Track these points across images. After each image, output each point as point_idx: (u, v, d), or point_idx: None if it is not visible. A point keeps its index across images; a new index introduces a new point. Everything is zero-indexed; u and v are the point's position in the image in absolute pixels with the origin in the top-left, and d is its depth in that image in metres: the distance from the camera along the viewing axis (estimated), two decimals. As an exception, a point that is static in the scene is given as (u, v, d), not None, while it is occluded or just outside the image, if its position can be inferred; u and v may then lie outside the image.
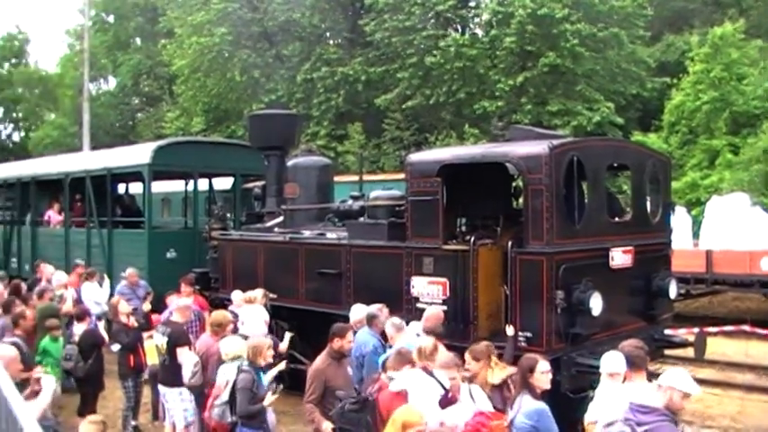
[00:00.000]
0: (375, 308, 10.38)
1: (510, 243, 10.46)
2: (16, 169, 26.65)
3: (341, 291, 12.81)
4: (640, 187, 12.34)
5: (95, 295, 16.22)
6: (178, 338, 10.89)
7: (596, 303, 9.97)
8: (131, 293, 15.38)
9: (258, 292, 12.72)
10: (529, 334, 9.97)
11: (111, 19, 57.41)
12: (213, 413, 9.10)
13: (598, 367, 7.96)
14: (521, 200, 11.74)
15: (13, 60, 69.95)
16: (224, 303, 15.01)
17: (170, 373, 10.81)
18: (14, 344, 9.91)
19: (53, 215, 23.31)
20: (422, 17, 32.83)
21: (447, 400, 7.54)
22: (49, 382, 7.80)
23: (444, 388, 7.72)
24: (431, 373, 7.95)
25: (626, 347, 7.56)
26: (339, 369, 9.00)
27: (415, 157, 12.27)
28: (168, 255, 18.54)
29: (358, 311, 10.53)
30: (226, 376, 9.00)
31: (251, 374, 8.63)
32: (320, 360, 9.02)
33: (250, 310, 11.80)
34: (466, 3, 35.26)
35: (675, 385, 6.34)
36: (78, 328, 12.40)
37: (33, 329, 11.65)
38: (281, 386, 9.34)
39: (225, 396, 8.87)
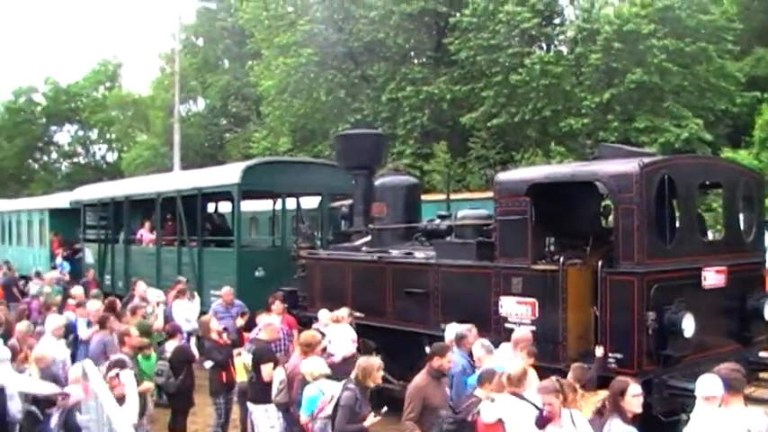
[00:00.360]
0: (464, 328, 10.38)
1: (600, 263, 10.35)
2: (110, 189, 27.35)
3: (429, 310, 12.81)
4: (733, 206, 12.09)
5: (186, 312, 16.49)
6: (262, 356, 11.05)
7: (688, 324, 9.79)
8: (225, 312, 15.50)
9: (344, 311, 12.84)
10: (619, 355, 9.84)
11: (200, 42, 58.49)
12: (315, 426, 9.19)
13: (692, 390, 7.80)
14: (610, 219, 11.64)
15: (108, 84, 72.03)
16: (310, 322, 15.21)
17: (256, 391, 10.97)
18: (121, 360, 10.20)
19: (145, 234, 23.81)
20: (506, 35, 32.70)
21: (543, 420, 7.52)
22: (128, 379, 7.85)
23: (538, 408, 7.71)
24: (522, 397, 7.95)
25: (723, 370, 7.38)
26: (438, 388, 8.99)
27: (504, 176, 12.25)
28: (257, 273, 18.74)
29: (452, 331, 10.47)
30: (331, 391, 9.04)
31: (354, 393, 8.62)
32: (420, 378, 9.01)
33: (337, 330, 11.91)
34: (551, 20, 35.08)
35: None
36: (170, 345, 12.65)
37: (139, 346, 11.89)
38: (385, 408, 9.28)
39: (328, 410, 8.93)
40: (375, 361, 9.13)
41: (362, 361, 9.09)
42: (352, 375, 8.91)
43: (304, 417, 9.35)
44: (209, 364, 12.34)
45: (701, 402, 7.43)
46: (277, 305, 14.51)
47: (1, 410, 11.57)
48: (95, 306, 13.83)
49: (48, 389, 9.37)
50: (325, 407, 9.03)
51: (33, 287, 20.44)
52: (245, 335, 14.12)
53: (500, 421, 7.93)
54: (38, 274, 23.92)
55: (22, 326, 12.48)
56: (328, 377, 9.58)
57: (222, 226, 23.25)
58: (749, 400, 10.37)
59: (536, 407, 7.80)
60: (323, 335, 11.69)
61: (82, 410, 6.47)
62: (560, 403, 7.54)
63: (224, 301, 15.96)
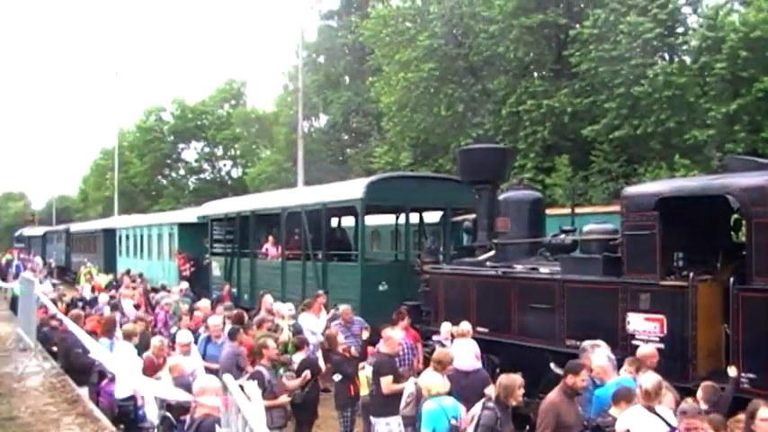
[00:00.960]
0: (588, 344, 10.32)
1: (731, 279, 10.14)
2: (236, 204, 28.07)
3: (553, 326, 12.77)
4: None
5: (312, 325, 16.78)
6: (381, 368, 11.22)
7: (828, 343, 9.52)
8: (346, 331, 15.44)
9: (467, 326, 12.89)
10: (753, 375, 9.58)
11: (321, 59, 59.47)
12: None
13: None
14: (741, 233, 11.40)
15: (232, 102, 74.06)
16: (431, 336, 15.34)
17: (376, 403, 11.13)
18: (258, 372, 10.51)
19: (270, 248, 24.30)
20: (628, 46, 32.22)
21: None
22: (254, 392, 8.01)
23: (669, 425, 7.66)
24: (654, 411, 7.89)
25: None
26: (571, 406, 8.90)
27: (632, 190, 12.14)
28: (380, 287, 18.91)
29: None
30: (472, 411, 9.04)
31: (494, 413, 8.58)
32: (554, 395, 8.94)
33: (461, 344, 11.98)
34: (673, 30, 34.38)
35: None
36: (297, 357, 12.92)
37: (277, 358, 12.20)
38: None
39: (470, 430, 8.87)
40: (516, 378, 9.02)
41: (504, 379, 9.00)
42: (493, 394, 8.87)
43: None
44: (338, 377, 12.55)
45: None
46: (399, 320, 14.61)
47: (133, 415, 12.14)
48: (215, 321, 14.13)
49: (183, 396, 9.71)
50: (465, 427, 8.95)
51: (163, 299, 21.07)
52: (370, 349, 14.32)
53: None
54: (163, 287, 24.74)
55: (155, 341, 12.91)
56: (449, 393, 9.61)
57: (344, 240, 23.54)
58: None
59: (667, 423, 7.75)
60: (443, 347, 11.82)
61: (221, 423, 6.69)
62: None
63: (343, 320, 15.93)
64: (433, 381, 9.64)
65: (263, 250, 24.55)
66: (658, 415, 7.96)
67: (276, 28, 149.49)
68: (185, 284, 24.47)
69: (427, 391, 9.55)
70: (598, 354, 9.92)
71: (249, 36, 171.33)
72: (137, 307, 21.05)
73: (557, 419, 8.65)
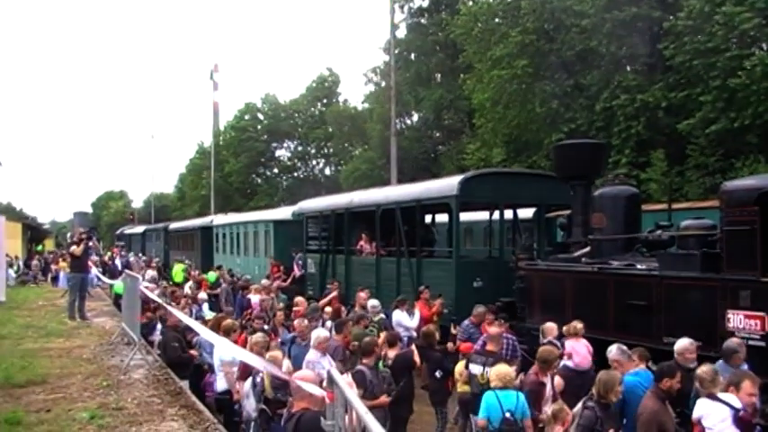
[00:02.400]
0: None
1: (836, 275, 10.01)
2: (331, 201, 28.42)
3: (651, 323, 12.71)
4: None
5: (405, 322, 17.00)
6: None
7: None
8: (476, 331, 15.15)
9: (580, 324, 12.88)
10: None
11: (412, 57, 59.64)
12: None
13: None
14: None
15: (324, 100, 74.80)
16: (531, 333, 15.35)
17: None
18: (360, 372, 10.71)
19: (364, 245, 24.53)
20: (724, 37, 31.59)
21: (741, 418, 7.52)
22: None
23: (733, 407, 7.71)
24: (716, 398, 7.94)
25: None
26: (667, 411, 8.76)
27: (732, 184, 12.00)
28: (475, 284, 18.98)
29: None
30: (574, 410, 9.07)
31: (594, 412, 8.56)
32: (651, 402, 8.72)
33: (575, 343, 12.03)
34: (772, 19, 33.63)
35: None
36: (391, 353, 13.09)
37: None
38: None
39: (572, 430, 8.91)
40: (616, 375, 9.08)
41: (603, 374, 8.99)
42: (594, 391, 8.83)
43: (480, 419, 9.63)
44: (439, 373, 12.70)
45: None
46: (487, 316, 14.63)
47: (229, 408, 12.49)
48: (302, 324, 14.28)
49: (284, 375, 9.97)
50: (568, 426, 8.99)
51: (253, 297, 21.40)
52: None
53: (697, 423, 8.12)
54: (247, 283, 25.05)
55: (257, 337, 13.18)
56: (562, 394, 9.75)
57: (428, 237, 23.63)
58: None
59: (732, 406, 7.82)
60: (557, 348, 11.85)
61: (327, 416, 6.88)
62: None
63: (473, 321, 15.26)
64: (497, 373, 9.72)
65: (358, 247, 24.80)
66: (721, 401, 8.02)
67: (367, 25, 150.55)
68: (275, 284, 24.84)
69: (494, 382, 9.68)
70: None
71: (341, 34, 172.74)
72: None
73: (658, 428, 8.53)
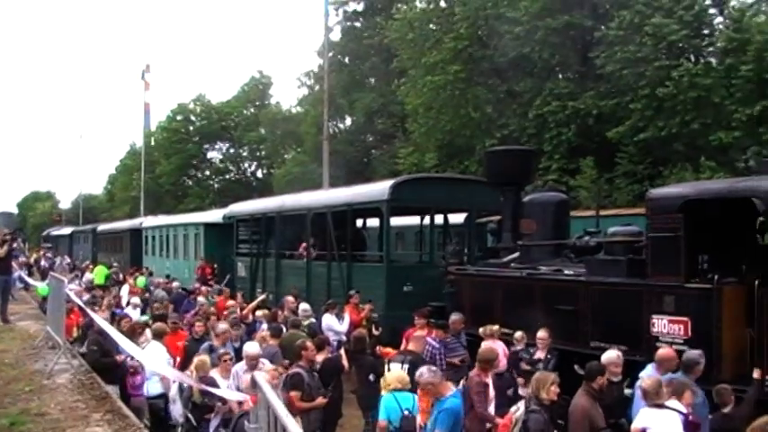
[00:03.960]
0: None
1: (757, 282, 10.17)
2: (262, 204, 28.21)
3: (578, 328, 12.81)
4: None
5: (334, 326, 16.93)
6: (417, 366, 11.32)
7: None
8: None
9: (496, 327, 12.97)
10: (777, 377, 9.64)
11: (346, 60, 59.60)
12: None
13: None
14: (767, 236, 11.41)
15: (257, 103, 74.37)
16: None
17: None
18: (298, 374, 10.60)
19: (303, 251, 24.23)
20: (653, 48, 32.14)
21: (690, 423, 7.61)
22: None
23: (681, 413, 7.80)
24: (663, 406, 8.03)
25: None
26: (597, 409, 8.94)
27: (657, 192, 12.17)
28: (405, 288, 18.96)
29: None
30: (516, 414, 9.10)
31: (542, 415, 8.56)
32: (583, 399, 8.91)
33: (490, 345, 12.07)
34: (699, 31, 34.24)
35: None
36: (319, 357, 13.00)
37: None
38: None
39: None
40: (550, 375, 9.15)
41: (538, 374, 9.19)
42: (531, 392, 8.95)
43: (381, 421, 9.75)
44: (372, 377, 12.65)
45: None
46: (417, 320, 14.68)
47: (163, 413, 12.30)
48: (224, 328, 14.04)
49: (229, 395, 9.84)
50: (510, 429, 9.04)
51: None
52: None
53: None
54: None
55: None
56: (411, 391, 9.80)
57: (364, 241, 23.60)
58: None
59: (680, 412, 7.91)
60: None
61: (250, 419, 6.80)
62: None
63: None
64: (391, 376, 10.05)
65: (300, 251, 24.50)
66: (668, 408, 8.10)
67: (302, 28, 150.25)
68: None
69: (386, 385, 9.88)
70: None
71: (275, 36, 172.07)
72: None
73: (591, 425, 8.72)
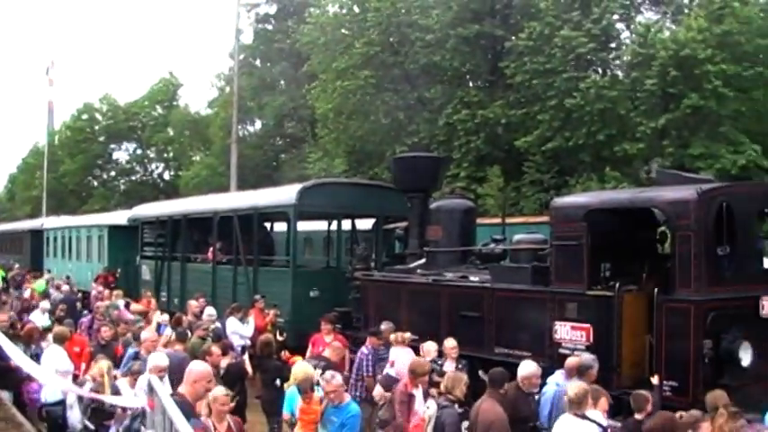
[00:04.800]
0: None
1: (656, 290, 10.36)
2: (168, 207, 27.78)
3: (483, 334, 12.87)
4: (793, 234, 12.03)
5: (239, 330, 16.72)
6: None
7: (746, 354, 9.77)
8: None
9: (408, 334, 12.94)
10: (675, 383, 9.84)
11: (257, 63, 59.18)
12: None
13: (759, 420, 7.78)
14: (667, 245, 11.63)
15: (166, 104, 73.24)
16: (363, 343, 15.34)
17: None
18: None
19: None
20: (562, 59, 32.63)
21: None
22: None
23: (601, 426, 7.85)
24: (584, 417, 8.07)
25: None
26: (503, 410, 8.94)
27: (561, 201, 12.34)
28: (311, 294, 18.87)
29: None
30: (428, 412, 9.09)
31: (455, 410, 8.68)
32: (495, 406, 8.86)
33: (400, 352, 12.04)
34: (606, 44, 34.91)
35: None
36: (223, 362, 12.81)
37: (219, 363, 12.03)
38: None
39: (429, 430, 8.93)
40: (463, 375, 9.35)
41: (451, 373, 9.47)
42: (443, 389, 9.06)
43: (285, 414, 10.07)
44: (278, 382, 12.51)
45: None
46: (324, 326, 14.62)
47: (61, 419, 11.94)
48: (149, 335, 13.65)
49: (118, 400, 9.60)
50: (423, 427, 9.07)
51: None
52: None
53: None
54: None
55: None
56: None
57: (271, 245, 23.43)
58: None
59: (599, 425, 7.94)
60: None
61: (147, 424, 6.63)
62: None
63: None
64: (298, 370, 10.20)
65: (209, 255, 24.14)
66: (589, 419, 8.12)
67: (212, 29, 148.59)
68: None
69: (294, 379, 10.05)
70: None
71: (185, 37, 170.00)
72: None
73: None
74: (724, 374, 9.72)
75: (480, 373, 12.23)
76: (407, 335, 12.86)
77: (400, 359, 11.94)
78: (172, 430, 5.72)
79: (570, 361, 10.25)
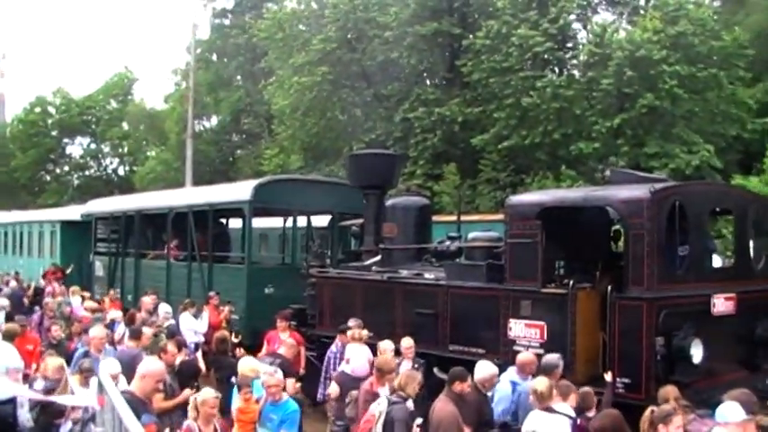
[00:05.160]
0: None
1: (609, 288, 10.43)
2: (122, 203, 27.50)
3: (437, 331, 12.87)
4: (743, 233, 12.16)
5: (193, 325, 16.60)
6: (286, 371, 11.23)
7: (697, 351, 9.86)
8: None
9: (365, 331, 12.90)
10: (627, 380, 9.90)
11: (214, 58, 58.81)
12: None
13: (710, 416, 7.84)
14: (620, 244, 11.71)
15: (121, 98, 72.46)
16: (321, 341, 15.34)
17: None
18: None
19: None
20: (519, 58, 32.78)
21: (579, 427, 7.72)
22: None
23: (571, 417, 7.91)
24: (553, 410, 8.12)
25: (743, 396, 7.43)
26: (463, 408, 8.94)
27: (516, 199, 12.36)
28: (266, 290, 18.81)
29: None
30: (378, 408, 9.05)
31: (405, 405, 8.65)
32: (449, 405, 8.85)
33: (355, 349, 11.99)
34: (563, 44, 35.12)
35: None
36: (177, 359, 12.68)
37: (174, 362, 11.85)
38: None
39: (378, 429, 8.90)
40: (418, 374, 9.38)
41: (406, 371, 9.50)
42: (396, 386, 9.06)
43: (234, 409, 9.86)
44: (234, 379, 12.41)
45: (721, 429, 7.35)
46: (279, 323, 14.56)
47: (12, 419, 11.71)
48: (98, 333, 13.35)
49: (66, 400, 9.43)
50: (372, 426, 8.99)
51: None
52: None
53: None
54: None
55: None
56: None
57: (227, 242, 23.30)
58: (758, 428, 10.46)
59: (569, 416, 8.00)
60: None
61: (97, 422, 6.53)
62: None
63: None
64: (244, 365, 10.22)
65: (167, 251, 23.80)
66: (558, 412, 8.20)
67: (168, 24, 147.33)
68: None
69: (242, 376, 9.93)
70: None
71: (140, 30, 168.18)
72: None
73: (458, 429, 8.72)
74: (676, 371, 9.80)
75: (436, 370, 12.26)
76: (364, 332, 12.81)
77: (355, 356, 11.88)
78: (121, 428, 5.63)
79: (521, 357, 10.27)
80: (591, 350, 10.87)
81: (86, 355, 12.11)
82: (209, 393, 8.04)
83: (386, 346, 12.07)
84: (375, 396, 10.13)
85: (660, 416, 7.20)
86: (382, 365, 10.47)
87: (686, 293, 10.35)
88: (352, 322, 13.38)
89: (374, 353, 11.94)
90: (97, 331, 12.69)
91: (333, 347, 13.37)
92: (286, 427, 8.87)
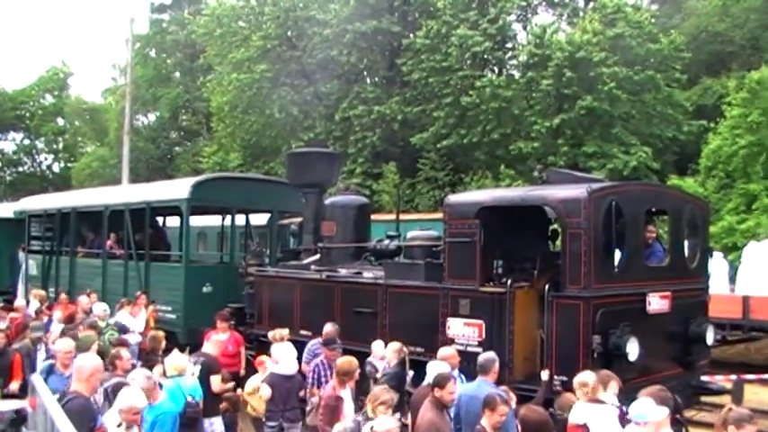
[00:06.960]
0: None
1: (547, 286, 10.50)
2: (57, 200, 26.98)
3: (376, 330, 12.84)
4: (678, 233, 12.33)
5: (129, 324, 16.36)
6: (211, 368, 11.21)
7: (633, 348, 9.97)
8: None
9: (285, 331, 12.83)
10: (564, 378, 9.93)
11: (152, 53, 58.17)
12: None
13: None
14: (558, 243, 11.78)
15: (56, 93, 71.15)
16: (259, 339, 15.23)
17: (205, 402, 10.75)
18: (118, 384, 9.94)
19: (113, 245, 23.19)
20: (458, 58, 32.94)
21: (622, 417, 7.87)
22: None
23: (618, 407, 8.12)
24: (600, 401, 8.32)
25: (660, 393, 7.47)
26: (443, 418, 8.62)
27: (454, 198, 12.37)
28: (204, 289, 18.58)
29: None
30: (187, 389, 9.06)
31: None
32: (431, 412, 8.56)
33: (282, 348, 11.89)
34: (503, 44, 35.35)
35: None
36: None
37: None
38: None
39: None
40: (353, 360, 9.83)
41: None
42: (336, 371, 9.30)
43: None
44: None
45: (638, 428, 7.38)
46: (219, 323, 14.37)
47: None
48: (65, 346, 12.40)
49: None
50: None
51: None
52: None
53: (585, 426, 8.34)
54: None
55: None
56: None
57: (164, 240, 23.01)
58: (692, 423, 10.63)
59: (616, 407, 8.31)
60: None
61: (29, 425, 6.39)
62: None
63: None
64: (169, 363, 10.18)
65: (108, 249, 23.40)
66: (603, 402, 8.31)
67: (105, 16, 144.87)
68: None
69: (169, 371, 10.00)
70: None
71: (77, 23, 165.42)
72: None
73: None
74: (612, 368, 9.85)
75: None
76: (285, 331, 12.71)
77: (283, 356, 11.74)
78: (53, 430, 5.50)
79: (443, 351, 10.02)
80: (529, 348, 10.95)
81: (51, 370, 10.73)
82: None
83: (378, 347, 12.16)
84: (338, 400, 9.98)
85: (735, 418, 7.08)
86: (345, 368, 10.31)
87: (622, 292, 10.46)
88: (329, 327, 12.93)
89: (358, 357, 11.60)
90: (63, 345, 10.94)
91: (318, 362, 12.67)
92: (158, 428, 8.76)
